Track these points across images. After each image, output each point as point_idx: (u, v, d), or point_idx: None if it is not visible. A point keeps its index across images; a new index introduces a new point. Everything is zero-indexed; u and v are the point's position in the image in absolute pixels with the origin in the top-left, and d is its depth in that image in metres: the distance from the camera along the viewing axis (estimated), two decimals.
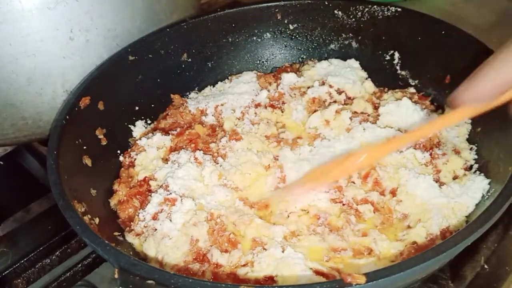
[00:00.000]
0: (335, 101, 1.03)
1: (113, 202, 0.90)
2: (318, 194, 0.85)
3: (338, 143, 0.92)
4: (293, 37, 1.18)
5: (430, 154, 0.90)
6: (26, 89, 0.95)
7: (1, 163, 1.18)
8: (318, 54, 1.17)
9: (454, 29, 0.98)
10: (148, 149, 0.97)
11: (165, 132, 1.02)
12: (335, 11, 1.12)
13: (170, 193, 0.86)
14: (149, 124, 1.07)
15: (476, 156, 0.89)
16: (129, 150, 1.00)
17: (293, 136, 0.98)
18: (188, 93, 1.13)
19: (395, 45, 1.09)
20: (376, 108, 1.01)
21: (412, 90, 1.06)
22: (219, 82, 1.16)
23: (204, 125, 1.02)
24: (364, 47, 1.13)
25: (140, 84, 1.05)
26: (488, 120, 0.87)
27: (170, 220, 0.82)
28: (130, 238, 0.84)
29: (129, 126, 1.04)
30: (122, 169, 0.97)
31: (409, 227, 0.80)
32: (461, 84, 0.68)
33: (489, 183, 0.80)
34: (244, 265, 0.76)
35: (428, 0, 1.55)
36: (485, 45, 0.92)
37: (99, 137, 0.95)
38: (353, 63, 1.11)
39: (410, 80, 1.08)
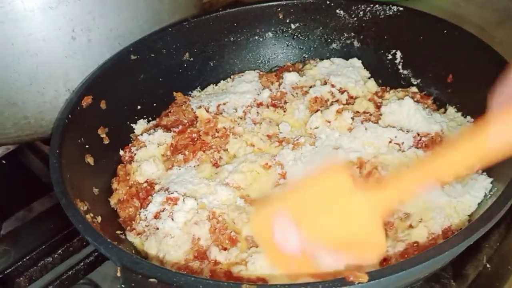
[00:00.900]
0: (337, 101, 1.03)
1: (113, 201, 0.90)
2: None
3: (339, 143, 0.92)
4: (295, 37, 1.18)
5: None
6: (28, 88, 0.96)
7: (4, 162, 1.18)
8: (320, 54, 1.17)
9: (456, 28, 0.97)
10: (149, 145, 0.97)
11: (167, 129, 1.02)
12: (337, 10, 1.12)
13: (172, 193, 0.86)
14: (151, 122, 1.07)
15: None
16: (129, 145, 1.00)
17: (295, 136, 0.98)
18: (190, 92, 1.13)
19: (397, 44, 1.09)
20: (378, 107, 1.01)
21: (414, 89, 1.06)
22: (222, 81, 1.16)
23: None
24: (366, 46, 1.13)
25: (142, 83, 1.05)
26: None
27: (172, 219, 0.82)
28: (131, 237, 0.84)
29: (131, 125, 1.04)
30: (120, 166, 0.96)
31: (410, 226, 0.80)
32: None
33: (492, 182, 0.80)
34: (238, 263, 0.76)
35: None
36: (488, 44, 0.92)
37: (101, 136, 0.95)
38: (356, 62, 1.11)
39: (412, 80, 1.08)
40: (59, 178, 0.75)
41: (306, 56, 1.19)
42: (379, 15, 1.08)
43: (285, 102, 1.05)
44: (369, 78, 1.09)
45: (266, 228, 0.70)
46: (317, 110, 1.00)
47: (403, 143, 0.91)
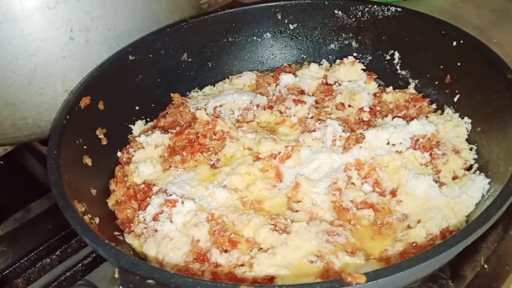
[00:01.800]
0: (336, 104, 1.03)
1: (110, 202, 0.90)
2: (318, 196, 0.85)
3: (335, 148, 0.92)
4: (293, 37, 1.18)
5: (430, 155, 0.90)
6: (26, 88, 0.96)
7: (1, 162, 1.18)
8: (318, 54, 1.17)
9: (454, 29, 0.98)
10: (147, 147, 0.97)
11: (165, 130, 1.02)
12: (335, 11, 1.12)
13: (171, 194, 0.86)
14: (149, 123, 1.07)
15: (476, 156, 0.89)
16: (127, 146, 1.00)
17: (291, 139, 0.98)
18: (188, 93, 1.13)
19: (395, 45, 1.09)
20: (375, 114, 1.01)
21: (412, 90, 1.06)
22: (220, 82, 1.16)
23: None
24: (365, 47, 1.13)
25: (140, 84, 1.05)
26: (488, 120, 0.87)
27: (171, 221, 0.82)
28: (129, 239, 0.84)
29: (130, 125, 1.04)
30: (117, 167, 0.96)
31: (409, 227, 0.80)
32: None
33: (489, 183, 0.80)
34: (241, 265, 0.76)
35: (428, 0, 1.55)
36: (485, 44, 0.92)
37: (100, 136, 0.95)
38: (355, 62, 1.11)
39: (410, 80, 1.08)
40: (57, 179, 0.75)
41: (304, 56, 1.19)
42: (377, 16, 1.08)
43: (281, 104, 1.04)
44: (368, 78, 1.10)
45: None
46: (314, 113, 1.00)
47: (400, 143, 0.91)
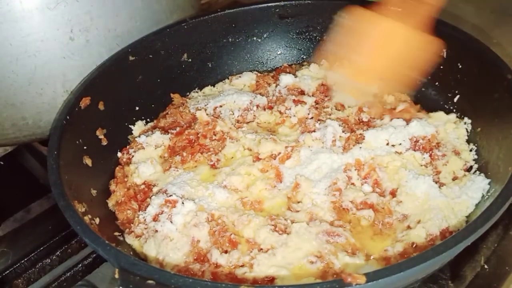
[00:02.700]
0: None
1: (111, 203, 0.90)
2: (318, 196, 0.85)
3: (335, 149, 0.92)
4: (293, 37, 1.18)
5: (430, 155, 0.90)
6: (26, 89, 0.96)
7: (2, 163, 1.18)
8: (317, 54, 1.17)
9: (454, 29, 0.98)
10: (147, 147, 0.97)
11: (165, 131, 1.02)
12: (335, 12, 1.12)
13: (171, 195, 0.85)
14: (149, 123, 1.07)
15: (476, 156, 0.89)
16: (127, 147, 1.00)
17: (291, 139, 0.98)
18: (188, 93, 1.13)
19: None
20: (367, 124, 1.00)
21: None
22: (219, 82, 1.16)
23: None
24: None
25: (140, 84, 1.05)
26: (488, 120, 0.87)
27: (171, 222, 0.81)
28: (129, 239, 0.84)
29: (130, 126, 1.04)
30: (118, 168, 0.96)
31: (409, 227, 0.80)
32: None
33: (489, 183, 0.80)
34: (241, 266, 0.76)
35: None
36: (485, 44, 0.92)
37: (100, 137, 0.95)
38: None
39: None
40: (57, 179, 0.75)
41: (304, 57, 1.19)
42: None
43: (281, 105, 1.04)
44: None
45: None
46: (315, 114, 1.00)
47: (400, 144, 0.91)
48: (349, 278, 0.56)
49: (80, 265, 0.93)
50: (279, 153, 0.93)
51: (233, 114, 1.03)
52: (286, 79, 1.09)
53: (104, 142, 0.96)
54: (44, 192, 1.08)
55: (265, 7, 1.14)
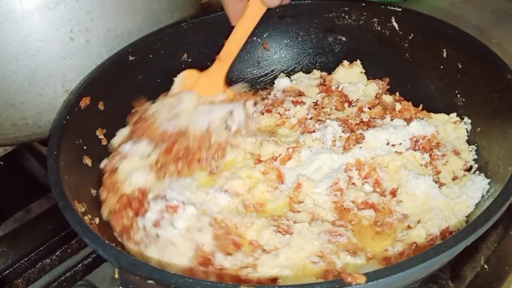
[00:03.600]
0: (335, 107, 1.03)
1: (105, 212, 0.84)
2: (320, 196, 0.85)
3: (335, 149, 0.92)
4: (293, 38, 1.18)
5: (430, 155, 0.90)
6: (26, 89, 0.96)
7: (1, 163, 1.18)
8: (317, 55, 1.17)
9: (454, 29, 0.98)
10: (132, 157, 0.91)
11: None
12: (335, 12, 1.12)
13: (171, 200, 0.84)
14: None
15: (476, 156, 0.89)
16: (111, 155, 0.93)
17: (291, 140, 0.97)
18: None
19: None
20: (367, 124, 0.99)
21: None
22: None
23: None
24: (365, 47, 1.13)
25: (140, 84, 1.05)
26: (488, 120, 0.87)
27: (173, 227, 0.80)
28: (130, 245, 0.81)
29: None
30: (106, 175, 0.90)
31: (409, 227, 0.80)
32: None
33: (489, 183, 0.80)
34: (245, 267, 0.75)
35: (428, 0, 1.55)
36: (485, 45, 0.92)
37: (100, 137, 0.95)
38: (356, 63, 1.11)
39: None
40: (57, 179, 0.75)
41: (304, 57, 1.19)
42: None
43: (280, 107, 1.03)
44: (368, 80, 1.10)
45: None
46: (314, 115, 1.00)
47: (400, 144, 0.91)
48: (349, 278, 0.56)
49: (80, 265, 0.93)
50: (280, 154, 0.92)
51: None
52: (282, 82, 1.09)
53: (104, 142, 0.96)
54: (44, 192, 1.07)
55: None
